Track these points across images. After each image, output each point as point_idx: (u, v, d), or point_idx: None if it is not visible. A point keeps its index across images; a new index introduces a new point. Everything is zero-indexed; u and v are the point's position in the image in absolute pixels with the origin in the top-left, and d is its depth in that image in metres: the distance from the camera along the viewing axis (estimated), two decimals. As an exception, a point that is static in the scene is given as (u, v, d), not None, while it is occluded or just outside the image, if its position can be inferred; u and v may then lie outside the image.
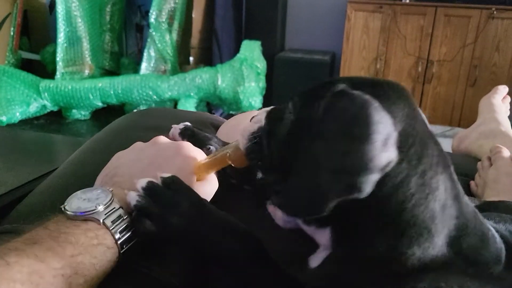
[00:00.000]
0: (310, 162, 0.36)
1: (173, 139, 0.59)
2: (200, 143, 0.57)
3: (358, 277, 0.37)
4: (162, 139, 0.52)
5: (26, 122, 2.84)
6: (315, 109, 0.38)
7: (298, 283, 0.41)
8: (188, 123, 0.60)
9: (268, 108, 0.46)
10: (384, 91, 0.37)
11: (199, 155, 0.50)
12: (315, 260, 0.40)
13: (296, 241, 0.44)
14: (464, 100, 2.84)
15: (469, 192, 0.78)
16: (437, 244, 0.35)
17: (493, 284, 0.37)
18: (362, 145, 0.33)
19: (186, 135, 0.58)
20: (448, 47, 2.78)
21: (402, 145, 0.34)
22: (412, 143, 0.35)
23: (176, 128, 0.60)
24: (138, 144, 0.52)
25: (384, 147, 0.33)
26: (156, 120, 0.76)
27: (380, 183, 0.34)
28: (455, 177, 0.38)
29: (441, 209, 0.36)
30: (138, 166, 0.48)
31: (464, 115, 2.86)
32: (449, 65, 2.81)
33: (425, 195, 0.35)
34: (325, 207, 0.34)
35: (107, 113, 3.01)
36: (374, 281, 0.36)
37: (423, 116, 0.39)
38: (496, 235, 0.40)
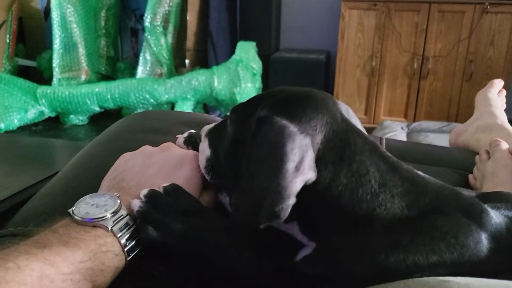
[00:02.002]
0: (248, 184, 0.39)
1: (180, 147, 0.60)
2: None
3: (341, 258, 0.39)
4: (173, 146, 0.53)
5: (25, 129, 2.84)
6: (246, 129, 0.42)
7: (296, 284, 0.42)
8: (192, 131, 0.61)
9: (206, 129, 0.50)
10: (302, 108, 0.41)
11: None
12: (299, 255, 0.42)
13: (284, 240, 0.45)
14: (461, 95, 2.85)
15: (468, 186, 0.78)
16: (395, 212, 0.39)
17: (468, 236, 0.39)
18: (276, 176, 0.36)
19: (190, 142, 0.59)
20: (443, 43, 2.79)
21: (323, 154, 0.39)
22: (333, 145, 0.40)
23: (181, 138, 0.61)
24: (146, 148, 0.53)
25: (296, 173, 0.37)
26: (154, 122, 0.76)
27: (311, 187, 0.38)
28: (386, 153, 0.42)
29: (381, 185, 0.40)
30: (145, 173, 0.48)
31: (461, 110, 2.87)
32: (445, 61, 2.82)
33: (358, 182, 0.39)
34: (258, 224, 0.37)
35: (104, 118, 3.01)
36: (356, 258, 0.39)
37: (344, 110, 0.44)
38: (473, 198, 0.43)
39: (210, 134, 0.49)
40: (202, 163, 0.48)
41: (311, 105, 0.41)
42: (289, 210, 0.37)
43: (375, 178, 0.40)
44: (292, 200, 0.37)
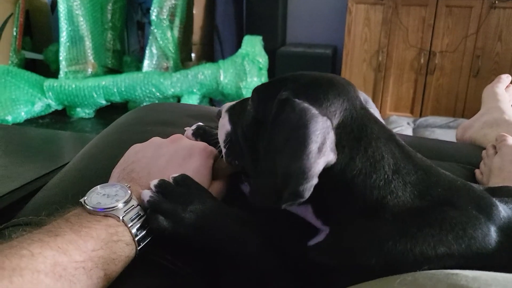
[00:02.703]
0: (267, 165, 0.40)
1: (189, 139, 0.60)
2: (212, 142, 0.58)
3: (351, 245, 0.40)
4: (182, 137, 0.53)
5: (31, 121, 2.86)
6: (268, 110, 0.43)
7: (305, 274, 0.43)
8: (200, 123, 0.62)
9: (227, 106, 0.51)
10: (323, 93, 0.42)
11: (217, 154, 0.52)
12: (312, 241, 0.43)
13: (297, 228, 0.46)
14: (468, 90, 2.84)
15: (474, 181, 0.78)
16: (405, 200, 0.39)
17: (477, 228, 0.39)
18: (300, 157, 0.37)
19: (199, 134, 0.60)
20: (450, 38, 2.78)
21: (341, 138, 0.40)
22: (350, 130, 0.41)
23: (189, 130, 0.61)
24: (156, 139, 0.53)
25: (319, 154, 0.38)
26: (163, 115, 0.77)
27: (329, 170, 0.39)
28: (401, 142, 0.43)
29: (394, 172, 0.40)
30: (155, 164, 0.49)
31: (467, 106, 2.86)
32: (452, 56, 2.80)
33: (373, 167, 0.40)
34: (280, 204, 0.38)
35: (111, 111, 3.03)
36: (364, 245, 0.39)
37: (363, 99, 0.45)
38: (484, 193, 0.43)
39: (230, 110, 0.50)
40: (222, 137, 0.50)
41: (332, 90, 0.42)
42: (311, 190, 0.37)
43: (389, 165, 0.40)
44: (314, 180, 0.37)
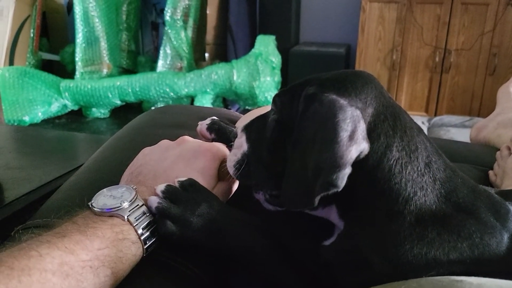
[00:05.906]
0: (296, 163, 0.40)
1: (201, 134, 0.60)
2: (227, 138, 0.58)
3: (365, 245, 0.39)
4: (188, 139, 0.53)
5: (48, 122, 2.91)
6: (294, 109, 0.42)
7: (315, 275, 0.43)
8: (215, 118, 0.61)
9: (241, 126, 0.50)
10: (351, 82, 0.41)
11: (224, 155, 0.52)
12: (328, 240, 0.43)
13: (311, 229, 0.46)
14: (484, 89, 2.80)
15: (488, 182, 0.77)
16: (432, 200, 0.39)
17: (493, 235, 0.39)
18: (330, 145, 0.36)
19: (214, 129, 0.59)
20: (466, 36, 2.74)
21: (375, 126, 0.39)
22: (384, 118, 0.40)
23: (203, 124, 0.60)
24: (164, 142, 0.54)
25: (350, 142, 0.37)
26: (175, 117, 0.78)
27: (363, 161, 0.38)
28: (429, 137, 0.42)
29: (426, 165, 0.39)
30: (161, 166, 0.49)
31: (483, 105, 2.82)
32: (468, 54, 2.77)
33: (408, 157, 0.39)
34: (313, 202, 0.37)
35: (125, 111, 3.06)
36: (379, 246, 0.39)
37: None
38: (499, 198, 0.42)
39: (247, 128, 0.49)
40: (234, 159, 0.47)
41: (359, 80, 0.41)
42: (345, 179, 0.36)
43: (422, 156, 0.40)
44: (348, 169, 0.36)
